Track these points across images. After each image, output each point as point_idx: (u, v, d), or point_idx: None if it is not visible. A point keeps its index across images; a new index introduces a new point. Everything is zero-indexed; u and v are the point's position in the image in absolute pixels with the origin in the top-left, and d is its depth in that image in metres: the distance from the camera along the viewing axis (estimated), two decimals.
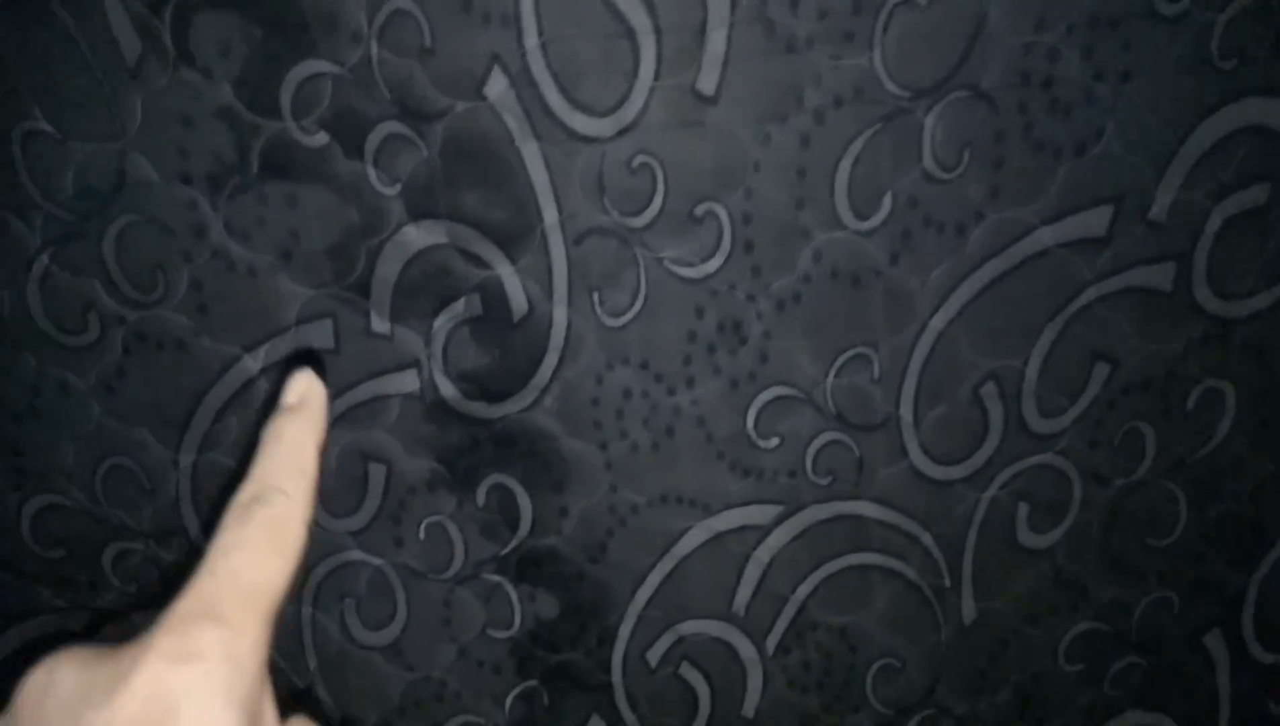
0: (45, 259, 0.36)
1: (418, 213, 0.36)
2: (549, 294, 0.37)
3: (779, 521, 0.40)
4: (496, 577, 0.41)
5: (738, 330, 0.38)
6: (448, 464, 0.39)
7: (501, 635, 0.42)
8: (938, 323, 0.38)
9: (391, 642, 0.42)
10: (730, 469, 0.39)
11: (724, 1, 0.33)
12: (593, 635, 0.42)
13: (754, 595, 0.41)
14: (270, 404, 0.38)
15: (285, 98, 0.34)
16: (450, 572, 0.41)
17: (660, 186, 0.35)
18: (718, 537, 0.40)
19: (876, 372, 0.38)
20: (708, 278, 0.37)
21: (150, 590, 0.40)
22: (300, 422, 0.26)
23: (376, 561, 0.40)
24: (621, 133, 0.35)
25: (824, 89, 0.34)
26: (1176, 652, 0.44)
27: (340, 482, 0.39)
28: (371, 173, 0.35)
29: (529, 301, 0.37)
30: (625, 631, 0.42)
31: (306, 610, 0.41)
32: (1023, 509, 0.41)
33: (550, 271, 0.36)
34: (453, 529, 0.40)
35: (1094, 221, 0.37)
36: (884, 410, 0.39)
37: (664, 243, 0.36)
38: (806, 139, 0.35)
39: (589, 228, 0.36)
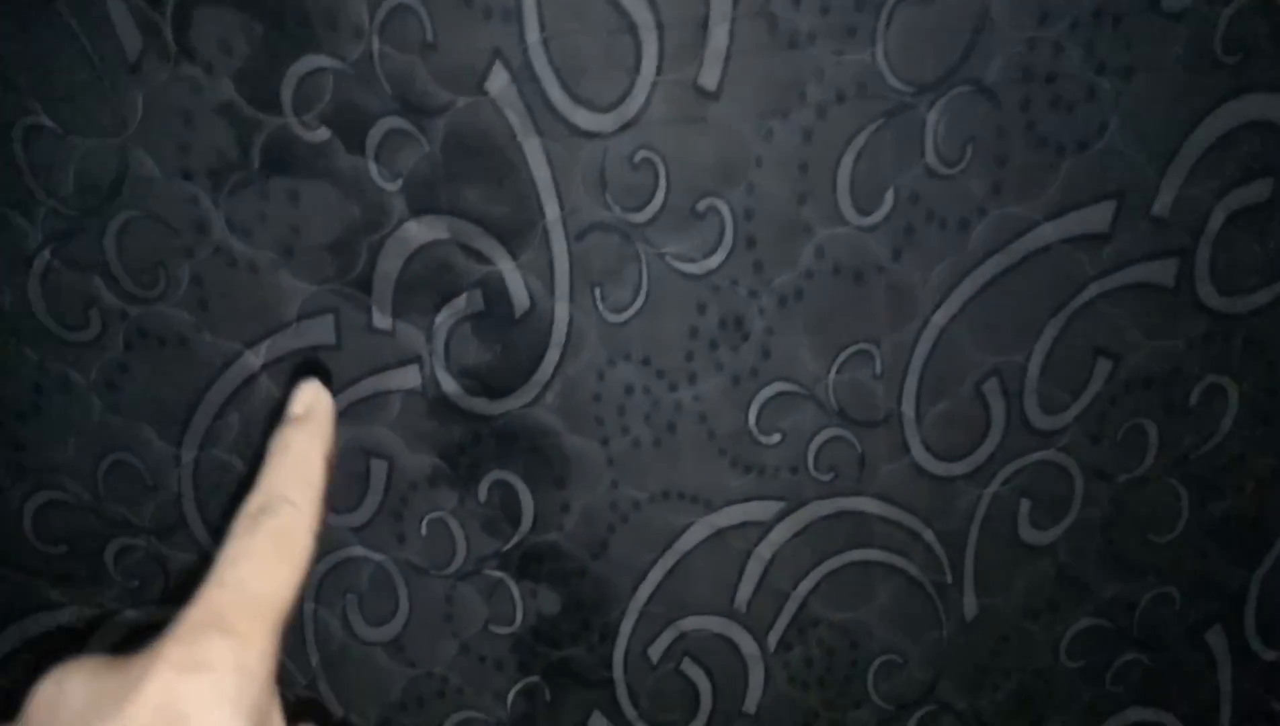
0: (46, 254, 0.36)
1: (419, 208, 0.36)
2: (551, 290, 0.37)
3: (781, 517, 0.40)
4: (498, 573, 0.41)
5: (739, 326, 0.38)
6: (449, 460, 0.39)
7: (503, 631, 0.42)
8: (940, 318, 0.38)
9: (393, 638, 0.42)
10: (732, 465, 0.39)
11: None
12: (594, 631, 0.42)
13: (755, 591, 0.41)
14: (272, 401, 0.38)
15: (286, 93, 0.34)
16: (452, 568, 0.41)
17: (662, 182, 0.35)
18: (719, 534, 0.40)
19: (878, 368, 0.38)
20: (710, 273, 0.37)
21: (152, 586, 0.40)
22: (307, 433, 0.26)
23: (378, 557, 0.40)
24: (623, 128, 0.35)
25: (826, 84, 0.34)
26: (1178, 649, 0.44)
27: (342, 478, 0.39)
28: (373, 168, 0.35)
29: (531, 297, 0.37)
30: (627, 627, 0.42)
31: (309, 606, 0.41)
32: (1024, 505, 0.41)
33: (552, 267, 0.36)
34: (454, 525, 0.40)
35: (1096, 217, 0.37)
36: (886, 406, 0.39)
37: (666, 238, 0.36)
38: (809, 134, 0.35)
39: (591, 223, 0.36)
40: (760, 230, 0.36)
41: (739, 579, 0.41)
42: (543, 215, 0.36)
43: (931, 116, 0.35)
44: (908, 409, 0.39)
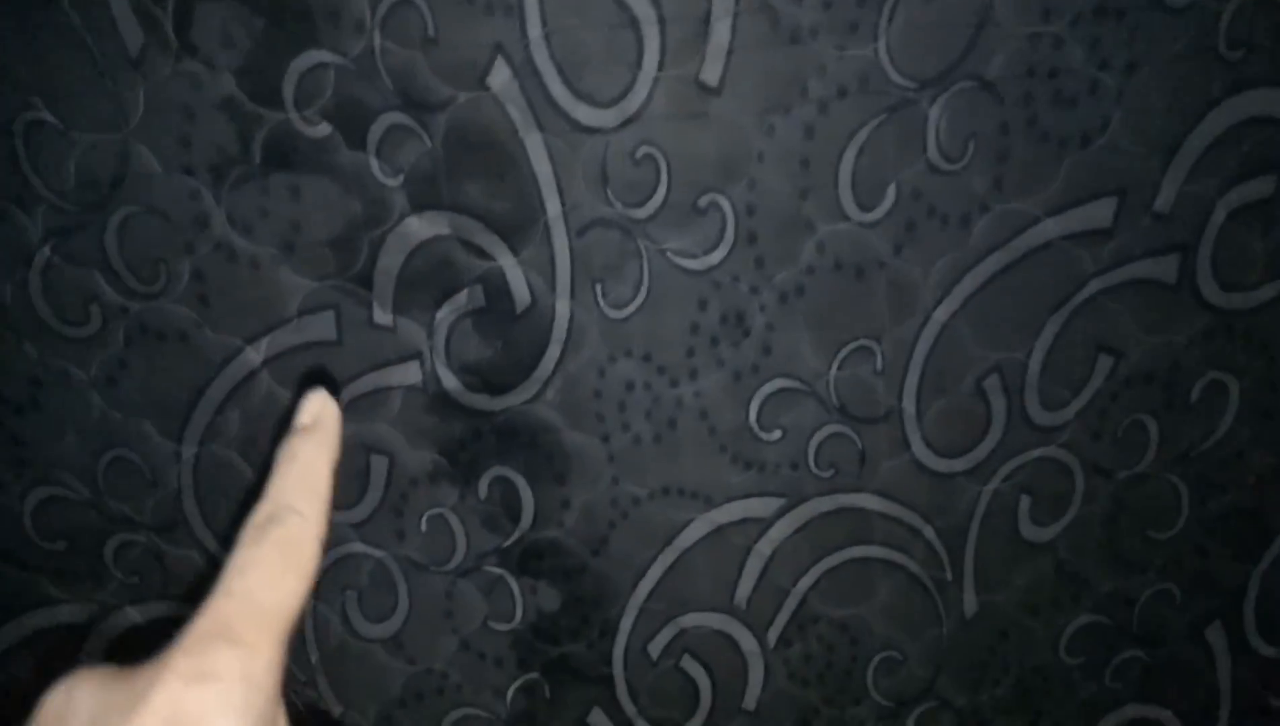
0: (47, 250, 0.36)
1: (420, 204, 0.36)
2: (552, 286, 0.37)
3: (781, 514, 0.40)
4: (498, 570, 0.41)
5: (741, 322, 0.37)
6: (450, 456, 0.39)
7: (503, 627, 0.42)
8: (941, 315, 0.38)
9: (393, 635, 0.42)
10: (732, 461, 0.39)
11: None
12: (594, 628, 0.42)
13: (755, 588, 0.41)
14: (272, 397, 0.38)
15: (288, 88, 0.34)
16: (452, 565, 0.41)
17: (663, 178, 0.35)
18: (719, 530, 0.40)
19: (879, 365, 0.38)
20: (711, 269, 0.37)
21: (152, 582, 0.40)
22: (314, 443, 0.27)
23: (378, 553, 0.40)
24: (625, 124, 0.35)
25: (828, 80, 0.34)
26: (1177, 645, 0.44)
27: (342, 475, 0.39)
28: (374, 164, 0.35)
29: (532, 293, 0.37)
30: (626, 624, 0.42)
31: (308, 602, 0.41)
32: (1025, 501, 0.41)
33: (553, 263, 0.36)
34: (454, 521, 0.40)
35: (1098, 213, 0.37)
36: (887, 402, 0.39)
37: (667, 234, 0.36)
38: (810, 130, 0.35)
39: (592, 219, 0.36)
40: (761, 226, 0.36)
41: (739, 575, 0.41)
42: (544, 211, 0.36)
43: (933, 112, 0.35)
44: (908, 405, 0.39)
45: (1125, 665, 0.44)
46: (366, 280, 0.37)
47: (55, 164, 0.35)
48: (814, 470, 0.40)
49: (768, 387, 0.38)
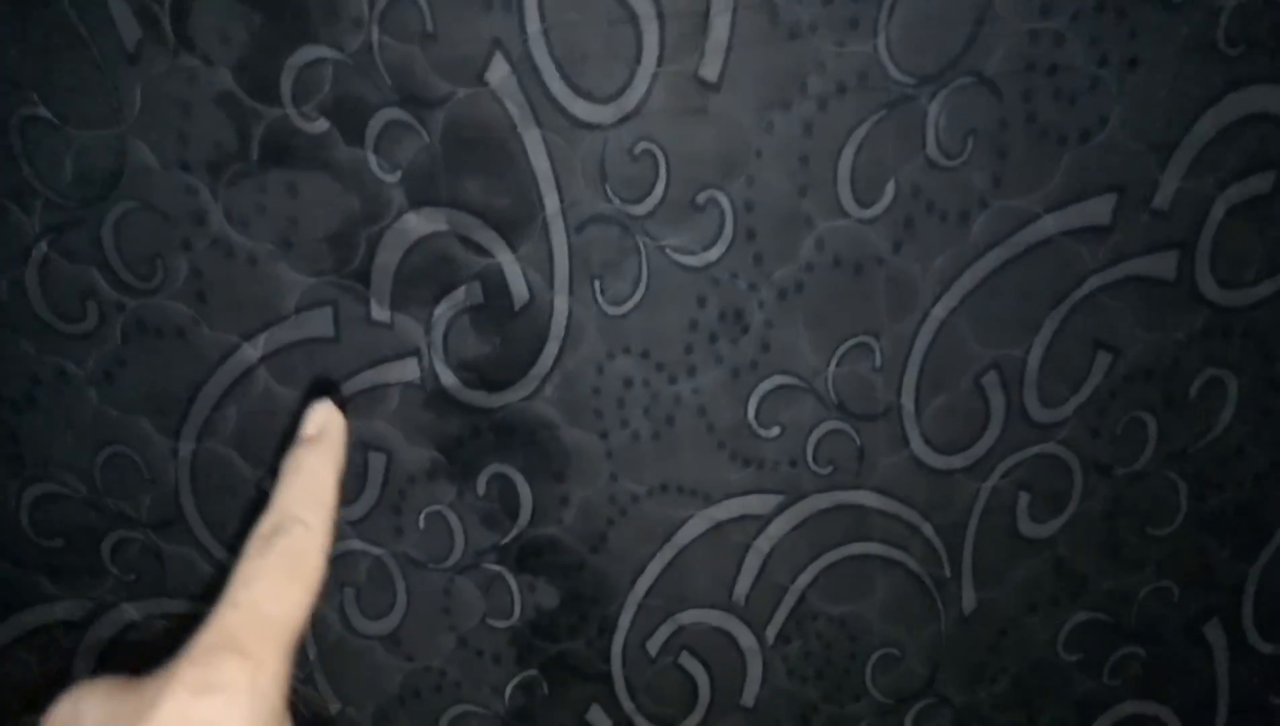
0: (44, 246, 0.36)
1: (418, 200, 0.35)
2: (550, 282, 0.37)
3: (779, 511, 0.40)
4: (496, 567, 0.41)
5: (739, 319, 0.37)
6: (448, 453, 0.39)
7: (501, 625, 0.42)
8: (940, 311, 0.38)
9: (391, 632, 0.42)
10: (731, 458, 0.39)
11: None
12: (593, 625, 0.42)
13: (754, 584, 0.41)
14: (270, 394, 0.38)
15: (285, 84, 0.34)
16: (450, 562, 0.41)
17: (662, 174, 0.35)
18: (718, 527, 0.40)
19: (878, 361, 0.38)
20: (709, 266, 0.37)
21: (149, 579, 0.40)
22: (319, 454, 0.27)
23: (376, 551, 0.40)
24: (623, 120, 0.35)
25: (827, 76, 0.34)
26: (1176, 643, 0.44)
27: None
28: (372, 160, 0.35)
29: (530, 289, 0.37)
30: (625, 621, 0.42)
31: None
32: (1023, 498, 0.41)
33: (551, 259, 0.36)
34: (453, 518, 0.40)
35: (1097, 210, 0.37)
36: (885, 399, 0.39)
37: (666, 230, 0.36)
38: (809, 126, 0.35)
39: (590, 215, 0.36)
40: (760, 222, 0.36)
41: (737, 572, 0.41)
42: (542, 207, 0.36)
43: (933, 108, 0.35)
44: (907, 402, 0.39)
45: (1123, 662, 0.44)
46: (364, 276, 0.36)
47: (52, 160, 0.35)
48: (812, 467, 0.40)
49: (766, 384, 0.38)
